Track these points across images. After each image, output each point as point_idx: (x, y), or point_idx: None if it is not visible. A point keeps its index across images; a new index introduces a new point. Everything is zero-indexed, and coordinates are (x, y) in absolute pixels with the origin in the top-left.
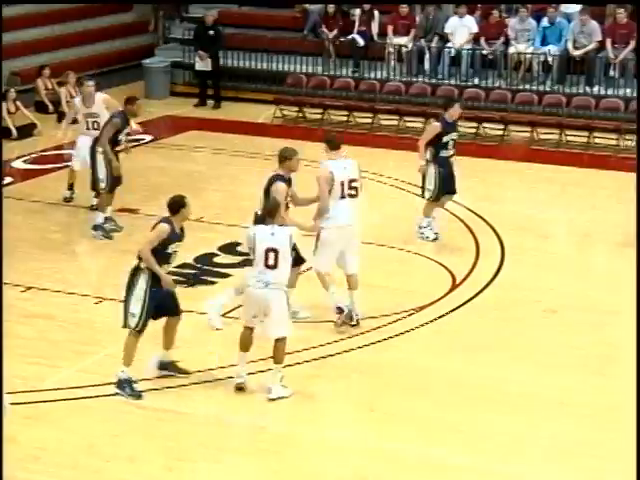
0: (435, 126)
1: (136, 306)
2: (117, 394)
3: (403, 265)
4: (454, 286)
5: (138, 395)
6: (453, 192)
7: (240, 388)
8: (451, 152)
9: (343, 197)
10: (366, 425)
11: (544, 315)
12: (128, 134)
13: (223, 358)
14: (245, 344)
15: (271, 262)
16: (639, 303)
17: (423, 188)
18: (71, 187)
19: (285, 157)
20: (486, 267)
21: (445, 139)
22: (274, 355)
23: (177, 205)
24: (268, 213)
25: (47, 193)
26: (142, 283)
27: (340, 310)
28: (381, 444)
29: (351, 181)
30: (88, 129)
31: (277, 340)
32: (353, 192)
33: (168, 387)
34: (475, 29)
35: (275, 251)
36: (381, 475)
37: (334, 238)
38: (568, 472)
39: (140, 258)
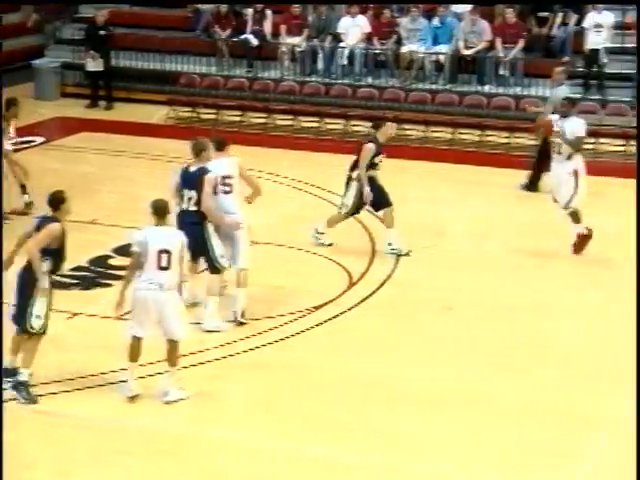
0: (370, 148)
1: (41, 308)
2: (13, 399)
3: (300, 265)
4: (350, 285)
5: (34, 400)
6: (389, 204)
7: (133, 398)
8: (379, 171)
9: (216, 193)
10: (263, 425)
11: (440, 312)
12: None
13: (109, 362)
14: (134, 355)
15: (164, 264)
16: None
17: (342, 202)
18: None
19: (201, 149)
20: (382, 266)
21: (376, 160)
22: (169, 357)
23: (57, 201)
24: (156, 213)
25: None
26: (45, 284)
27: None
28: (277, 444)
29: (224, 177)
30: None
31: (172, 342)
32: (227, 188)
33: (64, 391)
34: (367, 29)
35: (168, 252)
36: (277, 475)
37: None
38: (464, 468)
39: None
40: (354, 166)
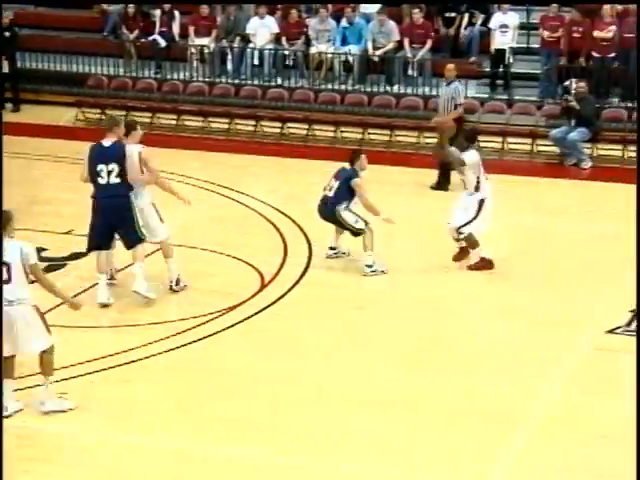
0: (359, 181)
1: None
2: None
3: (212, 266)
4: (263, 286)
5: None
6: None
7: (8, 417)
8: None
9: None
10: (177, 427)
11: (352, 311)
12: None
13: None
14: (9, 371)
15: (4, 277)
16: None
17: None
18: None
19: (113, 124)
20: (294, 266)
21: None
22: (41, 369)
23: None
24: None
25: None
26: None
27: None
28: (192, 445)
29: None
30: None
31: (41, 353)
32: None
33: None
34: (276, 29)
35: (7, 265)
36: (192, 477)
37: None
38: (382, 466)
39: None
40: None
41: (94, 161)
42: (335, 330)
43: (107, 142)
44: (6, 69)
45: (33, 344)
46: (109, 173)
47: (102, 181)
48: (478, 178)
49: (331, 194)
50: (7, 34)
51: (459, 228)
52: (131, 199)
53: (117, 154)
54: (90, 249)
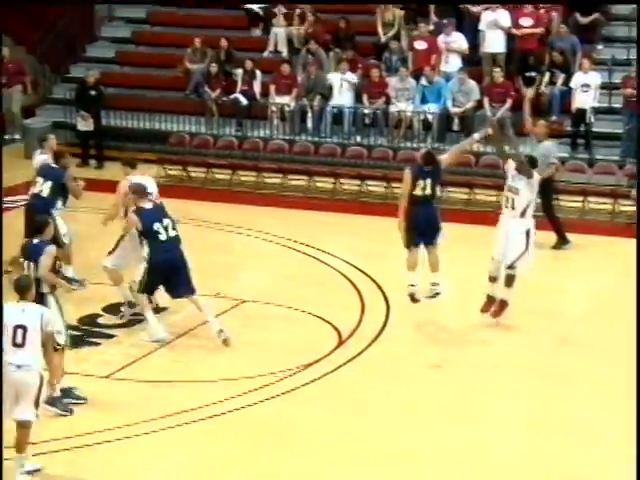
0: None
1: (58, 324)
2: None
3: (289, 323)
4: (340, 343)
5: (69, 410)
6: None
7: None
8: None
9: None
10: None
11: (428, 371)
12: None
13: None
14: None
15: (19, 340)
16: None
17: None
18: None
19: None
20: (372, 323)
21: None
22: (17, 442)
23: (41, 226)
24: (15, 290)
25: None
26: (52, 303)
27: (131, 305)
28: None
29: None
30: None
31: (20, 424)
32: None
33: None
34: (354, 80)
35: (23, 328)
36: None
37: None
38: None
39: (38, 285)
40: None
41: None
42: (410, 390)
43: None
44: (91, 127)
45: (22, 411)
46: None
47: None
48: (529, 203)
49: None
50: (93, 93)
51: (511, 264)
52: None
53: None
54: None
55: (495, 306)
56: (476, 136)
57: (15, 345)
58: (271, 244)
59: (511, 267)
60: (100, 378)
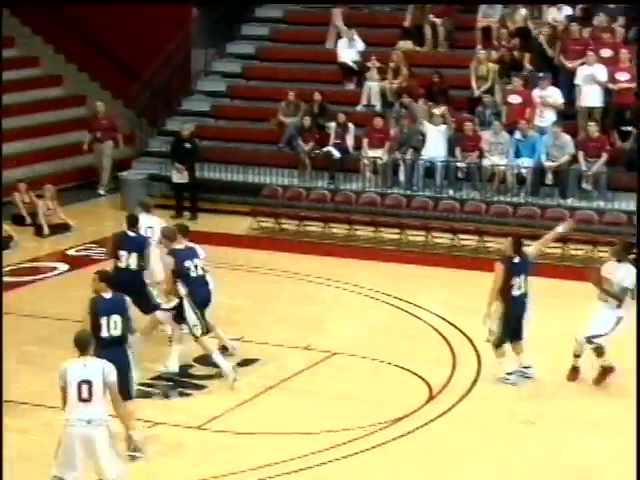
0: (499, 268)
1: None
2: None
3: (379, 376)
4: (430, 397)
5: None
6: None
7: None
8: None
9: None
10: None
11: (520, 427)
12: None
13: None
14: None
15: (85, 396)
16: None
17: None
18: None
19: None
20: (463, 378)
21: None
22: None
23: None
24: (76, 345)
25: (22, 305)
26: (130, 356)
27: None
28: None
29: None
30: None
31: None
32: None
33: None
34: (448, 130)
35: (88, 383)
36: None
37: None
38: None
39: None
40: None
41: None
42: (501, 446)
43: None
44: (186, 179)
45: (113, 470)
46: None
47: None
48: (626, 296)
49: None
50: (188, 146)
51: (591, 338)
52: None
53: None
54: None
55: (597, 375)
56: (559, 229)
57: (81, 400)
58: (362, 297)
59: (590, 341)
60: (191, 428)
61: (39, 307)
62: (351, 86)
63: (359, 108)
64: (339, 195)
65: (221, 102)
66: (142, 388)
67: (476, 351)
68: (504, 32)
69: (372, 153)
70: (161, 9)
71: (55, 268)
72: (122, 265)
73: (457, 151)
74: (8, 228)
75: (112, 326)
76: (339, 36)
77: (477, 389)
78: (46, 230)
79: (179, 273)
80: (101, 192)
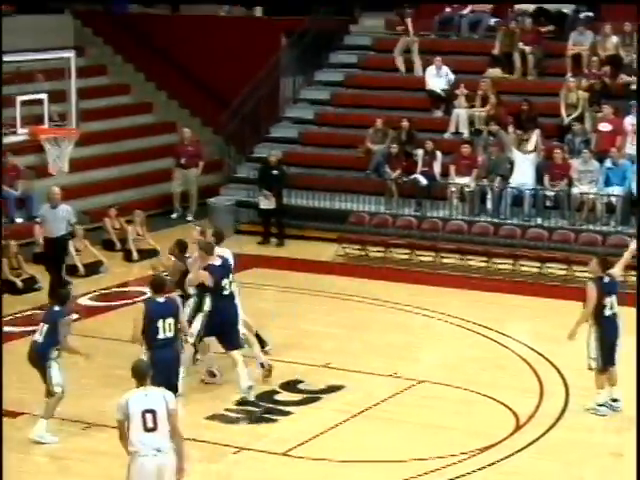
0: (592, 288)
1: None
2: None
3: (466, 405)
4: (518, 427)
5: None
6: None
7: None
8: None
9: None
10: None
11: (608, 458)
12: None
13: None
14: None
15: (150, 425)
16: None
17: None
18: None
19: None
20: (550, 409)
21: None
22: None
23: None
24: (134, 376)
25: (112, 330)
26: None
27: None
28: None
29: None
30: None
31: None
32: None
33: None
34: (536, 161)
35: (152, 412)
36: None
37: None
38: None
39: None
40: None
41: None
42: (587, 478)
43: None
44: (273, 205)
45: None
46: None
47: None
48: None
49: None
50: (275, 172)
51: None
52: None
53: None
54: None
55: None
56: (632, 246)
57: (147, 430)
58: (450, 325)
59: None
60: (277, 455)
61: (128, 331)
62: (439, 113)
63: (447, 135)
64: (426, 222)
65: (309, 129)
66: (228, 414)
67: (564, 381)
68: (595, 60)
69: (459, 180)
70: (251, 37)
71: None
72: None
73: (546, 179)
74: (98, 253)
75: (167, 328)
76: (427, 63)
77: (565, 419)
78: (135, 255)
79: (214, 289)
80: (189, 218)
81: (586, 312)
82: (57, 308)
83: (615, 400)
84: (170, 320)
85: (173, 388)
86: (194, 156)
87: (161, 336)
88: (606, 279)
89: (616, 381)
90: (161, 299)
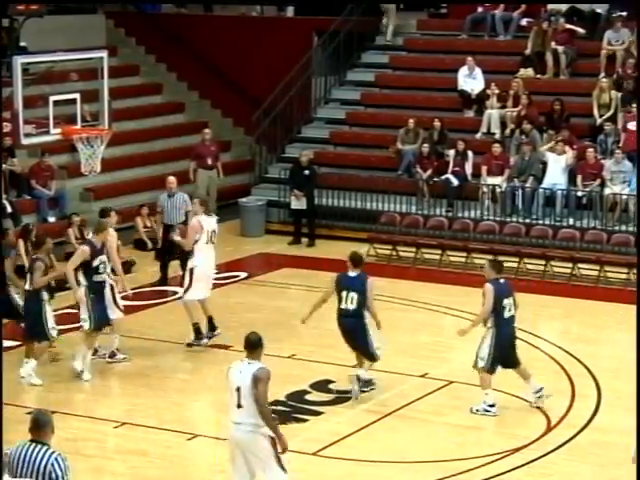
0: (490, 289)
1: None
2: None
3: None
4: (549, 428)
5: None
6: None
7: None
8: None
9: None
10: None
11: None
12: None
13: None
14: None
15: (236, 401)
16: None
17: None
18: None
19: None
20: (582, 410)
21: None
22: None
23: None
24: (245, 346)
25: (143, 329)
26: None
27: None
28: None
29: (213, 231)
30: None
31: None
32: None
33: None
34: (570, 161)
35: (238, 389)
36: None
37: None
38: None
39: None
40: None
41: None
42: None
43: (352, 273)
44: (304, 205)
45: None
46: (350, 300)
47: (343, 305)
48: None
49: None
50: (306, 172)
51: None
52: (365, 323)
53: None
54: None
55: None
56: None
57: (237, 406)
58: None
59: None
60: (307, 455)
61: (160, 331)
62: (470, 113)
63: (478, 135)
64: (457, 222)
65: (340, 129)
66: None
67: (596, 382)
68: (629, 59)
69: (491, 181)
70: (282, 37)
71: (175, 292)
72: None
73: (578, 179)
74: (130, 253)
75: (349, 300)
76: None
77: (596, 421)
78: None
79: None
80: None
81: (483, 313)
82: None
83: (539, 391)
84: (353, 294)
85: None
86: (216, 156)
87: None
88: (502, 281)
89: (529, 375)
90: (353, 273)
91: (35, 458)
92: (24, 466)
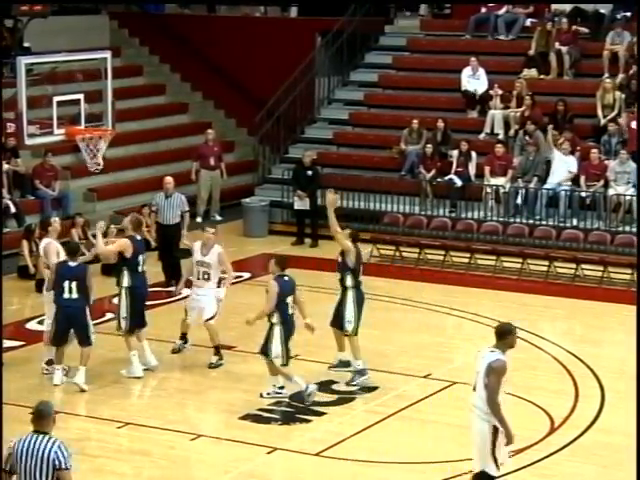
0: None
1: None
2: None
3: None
4: (552, 430)
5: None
6: None
7: None
8: None
9: None
10: None
11: None
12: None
13: None
14: None
15: (474, 383)
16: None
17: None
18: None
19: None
20: (586, 411)
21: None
22: None
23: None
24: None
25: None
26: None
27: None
28: None
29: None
30: (198, 279)
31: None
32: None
33: None
34: (574, 169)
35: (477, 373)
36: None
37: None
38: None
39: None
40: None
41: None
42: None
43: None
44: (307, 206)
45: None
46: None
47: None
48: None
49: None
50: (309, 173)
51: None
52: None
53: None
54: None
55: None
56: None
57: (474, 389)
58: (484, 326)
59: None
60: (310, 455)
61: (164, 331)
62: (474, 114)
63: (482, 136)
64: (460, 223)
65: (343, 129)
66: (262, 414)
67: (599, 383)
68: (632, 60)
69: (494, 181)
70: (285, 38)
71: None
72: None
73: (582, 180)
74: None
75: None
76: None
77: (600, 422)
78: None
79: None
80: (217, 218)
81: (267, 308)
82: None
83: (282, 388)
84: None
85: None
86: (219, 157)
87: None
88: (286, 278)
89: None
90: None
91: (39, 447)
92: (29, 456)
